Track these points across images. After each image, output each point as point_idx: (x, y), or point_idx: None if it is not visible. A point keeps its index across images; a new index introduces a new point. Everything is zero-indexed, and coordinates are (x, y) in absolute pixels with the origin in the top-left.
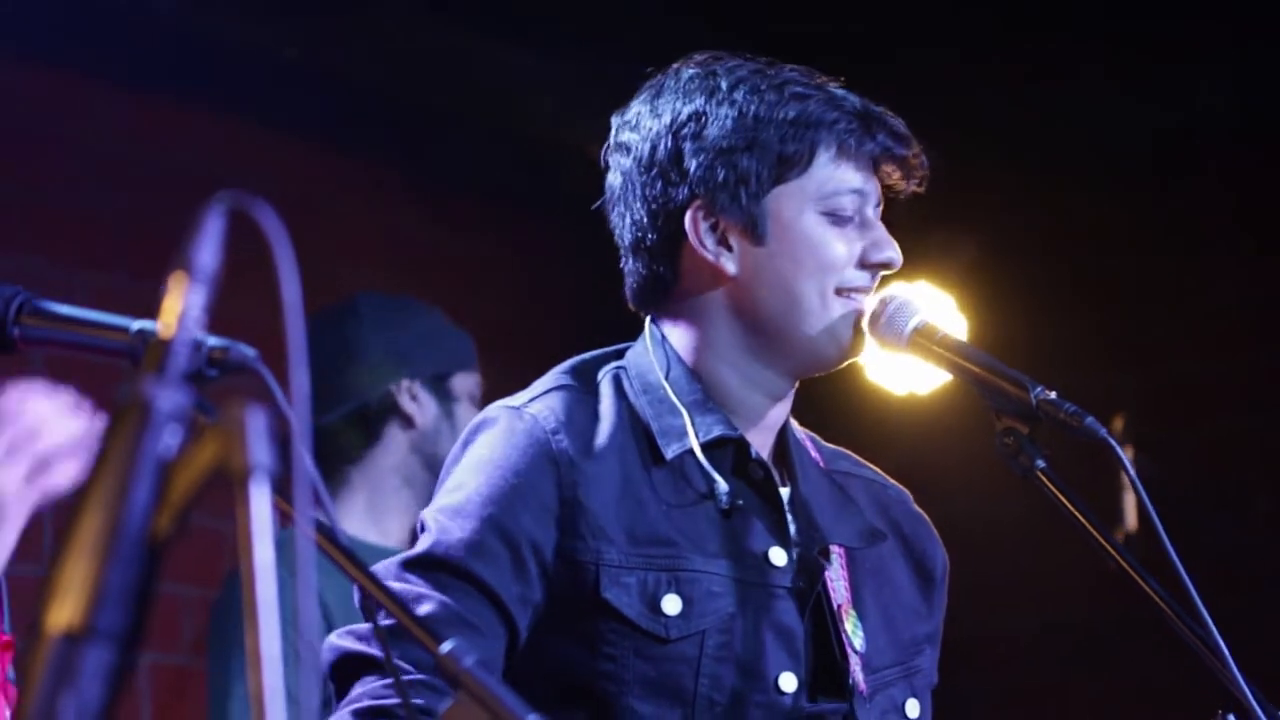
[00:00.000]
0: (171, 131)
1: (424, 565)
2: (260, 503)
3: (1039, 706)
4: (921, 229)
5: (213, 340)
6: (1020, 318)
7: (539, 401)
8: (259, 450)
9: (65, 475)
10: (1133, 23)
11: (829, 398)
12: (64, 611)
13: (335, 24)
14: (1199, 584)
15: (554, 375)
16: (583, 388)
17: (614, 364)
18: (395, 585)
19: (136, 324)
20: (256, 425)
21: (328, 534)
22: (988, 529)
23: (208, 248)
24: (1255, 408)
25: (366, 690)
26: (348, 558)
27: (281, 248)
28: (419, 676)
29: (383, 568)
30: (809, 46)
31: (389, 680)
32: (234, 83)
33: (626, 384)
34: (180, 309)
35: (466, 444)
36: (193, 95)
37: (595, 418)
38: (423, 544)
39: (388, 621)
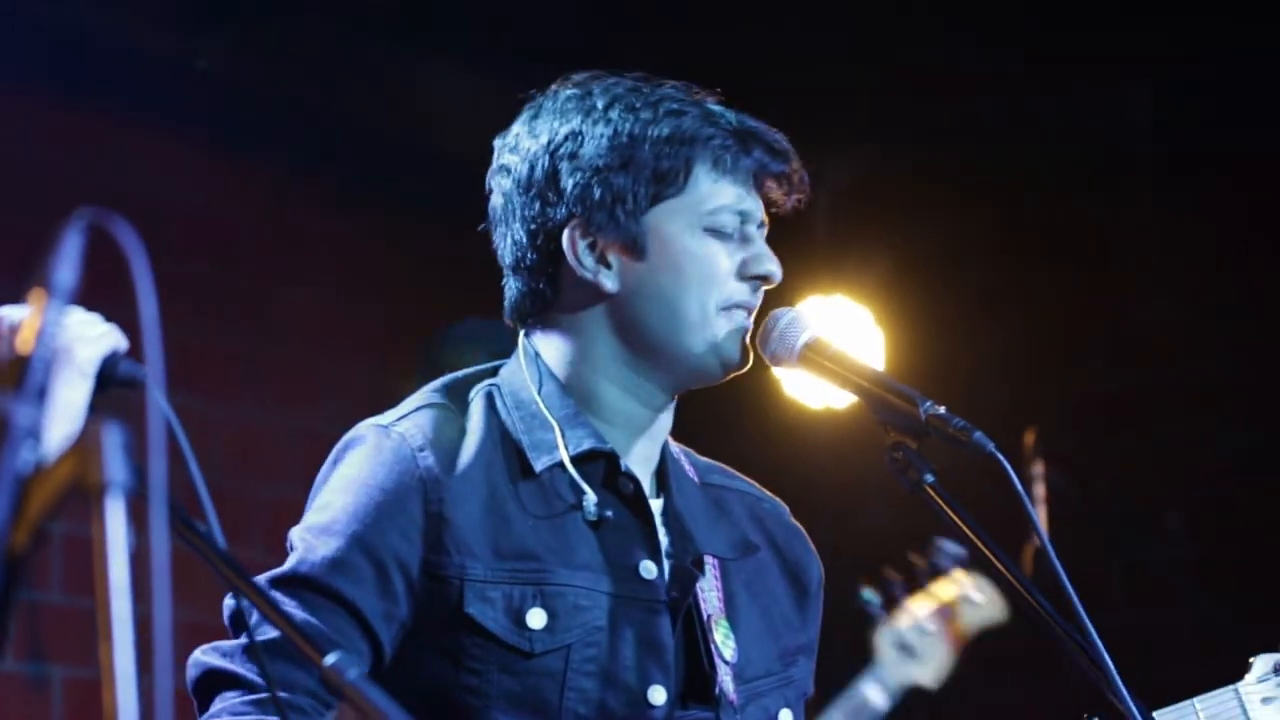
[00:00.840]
0: (77, 139)
1: (289, 583)
2: (115, 519)
3: (960, 716)
4: (837, 245)
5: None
6: (935, 332)
7: (407, 420)
8: (115, 467)
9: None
10: (1054, 34)
11: (744, 412)
12: None
13: (249, 35)
14: (1110, 596)
15: (424, 393)
16: (453, 405)
17: (487, 381)
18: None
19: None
20: (113, 442)
21: (208, 543)
22: (904, 541)
23: (67, 264)
24: (1167, 422)
25: (226, 706)
26: (230, 570)
27: (139, 263)
28: (285, 696)
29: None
30: (702, 60)
31: (248, 697)
32: (145, 90)
33: (499, 400)
34: (38, 325)
35: (335, 462)
36: (102, 102)
37: (463, 434)
38: (289, 562)
39: (262, 638)
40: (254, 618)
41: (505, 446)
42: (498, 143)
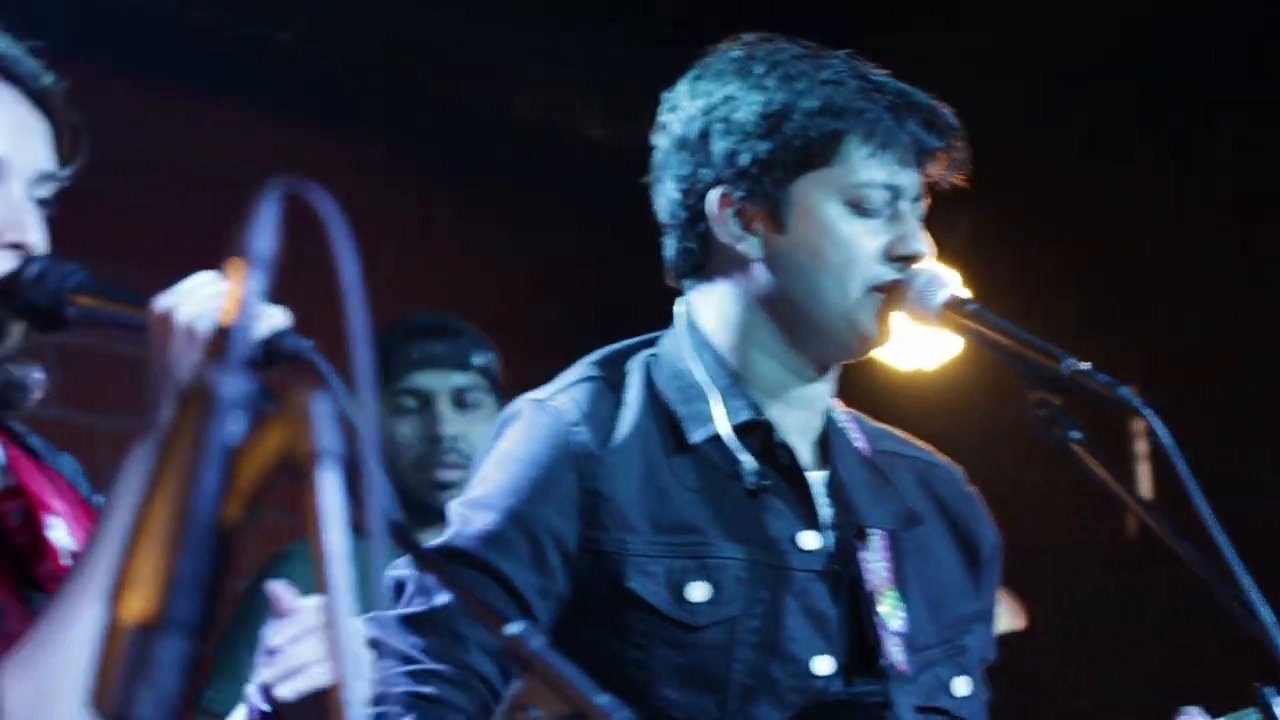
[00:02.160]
0: (167, 118)
1: (444, 556)
2: (329, 488)
3: (1047, 681)
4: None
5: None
6: (1018, 291)
7: (564, 394)
8: (326, 436)
9: None
10: None
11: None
12: (137, 602)
13: (329, 6)
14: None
15: (582, 366)
16: (609, 378)
17: (645, 352)
18: (415, 575)
19: None
20: (322, 411)
21: (395, 525)
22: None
23: (264, 234)
24: (1256, 373)
25: (380, 678)
26: (412, 546)
27: (338, 233)
28: (434, 667)
29: (405, 560)
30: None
31: (402, 668)
32: (226, 67)
33: (656, 371)
34: (240, 295)
35: (496, 438)
36: (187, 81)
37: (619, 407)
38: (445, 535)
39: (413, 610)
40: (408, 590)
41: (661, 419)
42: (664, 98)
